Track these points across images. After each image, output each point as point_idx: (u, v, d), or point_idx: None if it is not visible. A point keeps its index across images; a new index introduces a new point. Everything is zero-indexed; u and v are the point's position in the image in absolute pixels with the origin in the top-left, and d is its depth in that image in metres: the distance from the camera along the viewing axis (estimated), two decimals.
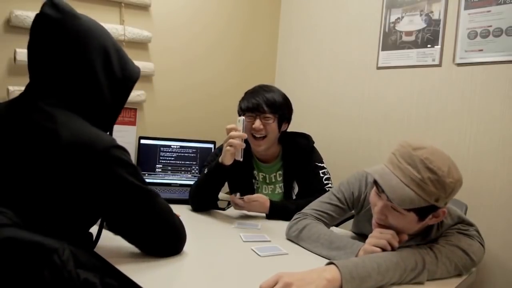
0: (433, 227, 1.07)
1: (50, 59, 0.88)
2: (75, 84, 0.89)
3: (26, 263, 0.70)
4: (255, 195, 1.51)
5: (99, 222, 0.98)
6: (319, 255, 1.14)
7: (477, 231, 1.11)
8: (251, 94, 1.58)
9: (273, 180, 1.67)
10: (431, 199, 0.95)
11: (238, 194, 1.50)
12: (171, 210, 1.00)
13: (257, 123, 1.52)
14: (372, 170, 1.03)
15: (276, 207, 1.50)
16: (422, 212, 0.98)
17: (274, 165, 1.66)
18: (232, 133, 1.38)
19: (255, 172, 1.67)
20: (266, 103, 1.53)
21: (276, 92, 1.60)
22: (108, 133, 0.95)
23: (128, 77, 0.98)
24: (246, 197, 1.48)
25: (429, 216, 1.00)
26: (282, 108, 1.58)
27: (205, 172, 1.51)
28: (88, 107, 0.91)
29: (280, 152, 1.66)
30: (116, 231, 0.96)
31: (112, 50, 0.94)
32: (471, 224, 1.12)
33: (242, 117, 1.43)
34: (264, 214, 1.52)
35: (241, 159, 1.41)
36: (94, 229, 0.98)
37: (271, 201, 1.51)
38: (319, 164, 1.61)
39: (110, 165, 0.86)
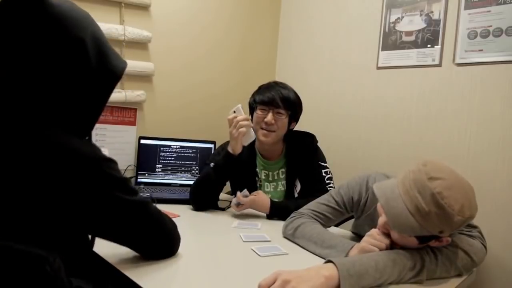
0: None
1: (17, 54, 0.75)
2: (44, 80, 0.77)
3: (17, 273, 0.68)
4: (256, 191, 1.52)
5: None
6: (312, 253, 1.15)
7: (480, 233, 1.11)
8: (266, 88, 1.61)
9: (276, 177, 1.68)
10: (435, 231, 0.94)
11: (245, 190, 1.49)
12: (162, 214, 0.99)
13: (269, 117, 1.55)
14: (379, 191, 1.00)
15: (277, 207, 1.50)
16: (423, 239, 0.98)
17: (278, 162, 1.67)
18: (238, 118, 1.46)
19: (258, 170, 1.68)
20: (281, 99, 1.56)
21: (291, 90, 1.63)
22: (87, 137, 0.86)
23: (109, 72, 0.86)
24: (246, 192, 1.49)
25: (431, 241, 0.99)
26: (295, 106, 1.61)
27: (211, 166, 1.52)
28: (61, 108, 0.80)
29: (284, 149, 1.67)
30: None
31: (90, 42, 0.81)
32: (474, 226, 1.11)
33: (239, 105, 1.49)
34: (264, 214, 1.52)
35: (254, 137, 1.51)
36: None
37: (272, 201, 1.51)
38: (322, 164, 1.62)
39: (97, 183, 0.80)
